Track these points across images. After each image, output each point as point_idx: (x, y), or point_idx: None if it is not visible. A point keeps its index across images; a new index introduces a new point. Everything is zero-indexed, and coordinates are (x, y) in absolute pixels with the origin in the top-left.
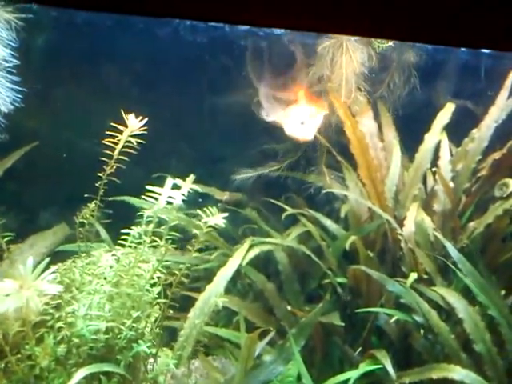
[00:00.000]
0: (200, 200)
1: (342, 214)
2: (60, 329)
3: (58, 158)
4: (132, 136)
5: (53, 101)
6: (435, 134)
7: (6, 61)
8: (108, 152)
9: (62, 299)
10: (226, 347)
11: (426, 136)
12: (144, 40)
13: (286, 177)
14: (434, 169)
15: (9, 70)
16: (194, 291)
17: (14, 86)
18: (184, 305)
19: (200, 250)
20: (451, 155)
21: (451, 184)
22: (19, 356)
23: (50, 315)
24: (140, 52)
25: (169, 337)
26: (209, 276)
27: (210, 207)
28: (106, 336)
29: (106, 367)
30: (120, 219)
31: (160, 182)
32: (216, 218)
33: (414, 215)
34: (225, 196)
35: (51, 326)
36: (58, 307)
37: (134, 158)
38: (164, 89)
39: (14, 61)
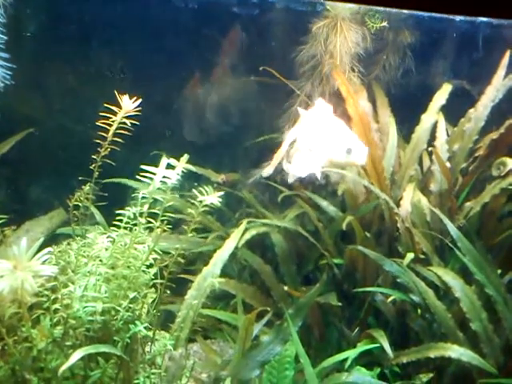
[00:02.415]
0: (195, 184)
1: (339, 193)
2: (56, 310)
3: (51, 142)
4: (126, 117)
5: (42, 82)
6: (432, 115)
7: None
8: (102, 134)
9: (57, 281)
10: (224, 330)
11: (423, 116)
12: (136, 17)
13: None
14: (430, 149)
15: None
16: (189, 274)
17: (2, 63)
18: (180, 288)
19: (196, 233)
20: (448, 135)
21: (448, 164)
22: (16, 338)
23: (46, 297)
24: (133, 30)
25: (166, 319)
26: (205, 259)
27: (208, 187)
28: (103, 317)
29: (103, 348)
30: (115, 202)
31: (155, 163)
32: (212, 197)
33: (410, 195)
34: (220, 178)
35: (47, 308)
36: (53, 289)
37: (128, 140)
38: (159, 70)
39: (2, 37)
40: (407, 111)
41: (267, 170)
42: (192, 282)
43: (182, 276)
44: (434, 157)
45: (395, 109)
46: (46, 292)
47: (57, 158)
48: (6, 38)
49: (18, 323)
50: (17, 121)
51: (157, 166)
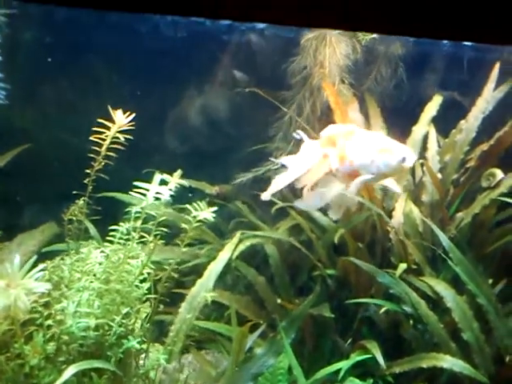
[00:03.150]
0: (190, 195)
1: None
2: (49, 327)
3: (46, 156)
4: (120, 132)
5: (36, 98)
6: (423, 126)
7: None
8: (96, 148)
9: (50, 297)
10: (218, 341)
11: (414, 128)
12: (128, 35)
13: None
14: (421, 160)
15: None
16: (184, 286)
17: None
18: (175, 299)
19: (190, 245)
20: (439, 147)
21: (439, 175)
22: (8, 355)
23: (39, 313)
24: (125, 47)
25: (160, 332)
26: (199, 270)
27: (199, 201)
28: (96, 333)
29: (96, 364)
30: (110, 216)
31: (149, 178)
32: (205, 213)
33: (402, 206)
34: (214, 190)
35: (40, 324)
36: (47, 305)
37: (122, 154)
38: (152, 85)
39: None
40: (399, 122)
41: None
42: (186, 294)
43: (176, 290)
44: (425, 168)
45: (387, 120)
46: (39, 308)
47: (51, 172)
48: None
49: (10, 340)
50: (12, 134)
51: (151, 180)
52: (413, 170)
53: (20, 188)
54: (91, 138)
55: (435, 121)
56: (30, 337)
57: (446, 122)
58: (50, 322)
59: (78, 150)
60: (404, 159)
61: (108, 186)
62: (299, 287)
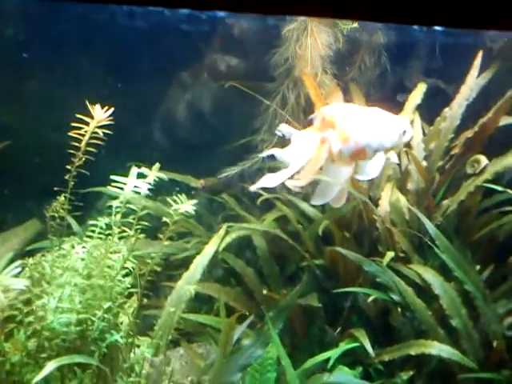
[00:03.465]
0: (177, 188)
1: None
2: (30, 323)
3: (27, 153)
4: (99, 127)
5: (15, 93)
6: (408, 114)
7: None
8: (76, 144)
9: (31, 294)
10: (208, 333)
11: (399, 116)
12: (105, 27)
13: (265, 164)
14: (406, 148)
15: None
16: (172, 279)
17: None
18: (162, 293)
19: (178, 238)
20: (424, 134)
21: (424, 163)
22: None
23: (19, 310)
24: (103, 39)
25: (146, 326)
26: (187, 264)
27: (182, 195)
28: (79, 328)
29: (78, 358)
30: (94, 212)
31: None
32: (186, 205)
33: (388, 195)
34: (199, 183)
35: (20, 321)
36: (27, 302)
37: (105, 148)
38: (133, 76)
39: None
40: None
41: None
42: (173, 287)
43: (163, 283)
44: (410, 156)
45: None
46: (19, 305)
47: (33, 169)
48: None
49: None
50: None
51: (133, 170)
52: (398, 158)
53: (1, 185)
54: (70, 134)
55: (420, 109)
56: (10, 334)
57: (430, 110)
58: (30, 318)
59: (59, 145)
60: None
61: (91, 181)
62: (288, 277)
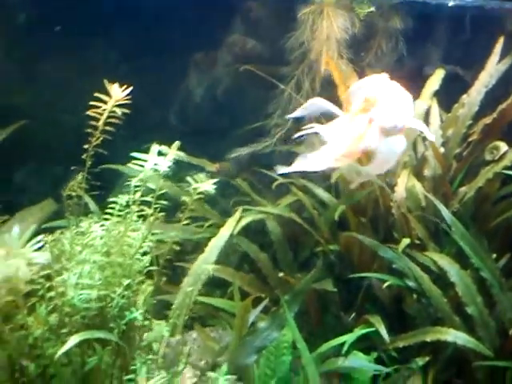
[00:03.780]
0: (194, 172)
1: (333, 180)
2: (51, 298)
3: (43, 133)
4: (117, 106)
5: (35, 72)
6: (425, 100)
7: None
8: (93, 123)
9: (51, 269)
10: (221, 317)
11: (416, 102)
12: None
13: (277, 150)
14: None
15: None
16: (186, 263)
17: None
18: (176, 277)
19: (191, 222)
20: (441, 121)
21: (442, 149)
22: (12, 326)
23: (41, 285)
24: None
25: (162, 309)
26: (200, 248)
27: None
28: (98, 305)
29: (99, 334)
30: (110, 192)
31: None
32: (206, 184)
33: (404, 181)
34: (215, 167)
35: (42, 296)
36: (48, 277)
37: (119, 130)
38: (150, 58)
39: None
40: None
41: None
42: (188, 270)
43: (178, 264)
44: (427, 142)
45: None
46: (41, 280)
47: (49, 149)
48: None
49: (13, 311)
50: (9, 110)
51: (153, 148)
52: (414, 145)
53: (17, 166)
54: (88, 113)
55: (437, 95)
56: (32, 308)
57: (448, 97)
58: (52, 293)
59: (76, 126)
60: None
61: (107, 161)
62: (301, 263)
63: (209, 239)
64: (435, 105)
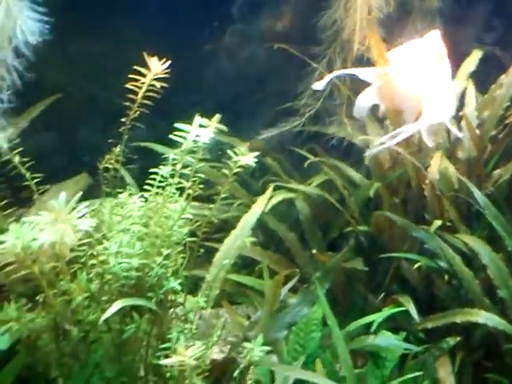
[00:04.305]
0: (219, 153)
1: (366, 161)
2: (93, 266)
3: (77, 108)
4: (155, 80)
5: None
6: (461, 82)
7: None
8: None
9: (92, 238)
10: (248, 295)
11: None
12: None
13: (307, 130)
14: (460, 113)
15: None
16: (214, 242)
17: (39, 17)
18: (205, 256)
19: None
20: (477, 102)
21: (477, 131)
22: (55, 291)
23: (83, 252)
24: None
25: (193, 284)
26: (228, 227)
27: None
28: (138, 274)
29: (140, 301)
30: (142, 167)
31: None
32: (247, 158)
33: (438, 163)
34: (245, 146)
35: (84, 263)
36: (89, 245)
37: (153, 108)
38: (183, 36)
39: None
40: None
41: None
42: (218, 249)
43: (209, 244)
44: (463, 124)
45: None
46: (83, 247)
47: (84, 123)
48: None
49: (55, 277)
50: (45, 83)
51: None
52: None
53: (52, 140)
54: (126, 86)
55: (474, 76)
56: (74, 275)
57: (484, 78)
58: (93, 261)
59: (110, 101)
60: None
61: (142, 137)
62: (330, 244)
63: (237, 218)
64: (471, 86)
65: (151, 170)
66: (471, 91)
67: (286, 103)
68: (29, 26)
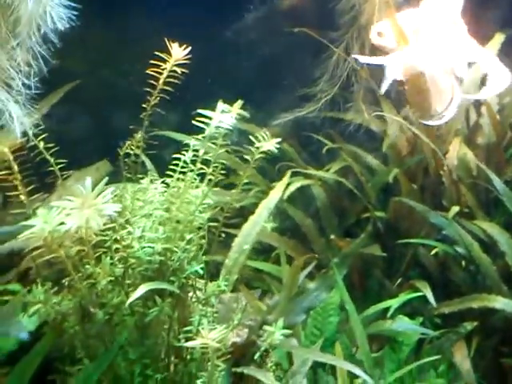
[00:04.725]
0: (235, 139)
1: (384, 148)
2: (117, 250)
3: (96, 96)
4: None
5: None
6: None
7: None
8: (152, 82)
9: (116, 223)
10: (265, 280)
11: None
12: None
13: (324, 116)
14: (479, 100)
15: None
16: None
17: (67, 2)
18: (222, 243)
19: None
20: None
21: (497, 117)
22: (80, 275)
23: (108, 236)
24: None
25: (212, 268)
26: (245, 213)
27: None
28: (161, 258)
29: (164, 285)
30: (162, 152)
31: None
32: (269, 144)
33: (456, 149)
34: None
35: (108, 247)
36: (113, 230)
37: (172, 95)
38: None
39: None
40: None
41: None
42: (235, 235)
43: (226, 229)
44: (482, 109)
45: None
46: (108, 232)
47: (103, 110)
48: None
49: (80, 261)
50: (66, 70)
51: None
52: (467, 113)
53: (75, 126)
54: (147, 72)
55: None
56: (98, 259)
57: (507, 62)
58: (117, 245)
59: (130, 88)
60: None
61: (159, 123)
62: (346, 230)
63: (255, 204)
64: None
65: (173, 156)
66: None
67: (302, 89)
68: (57, 13)
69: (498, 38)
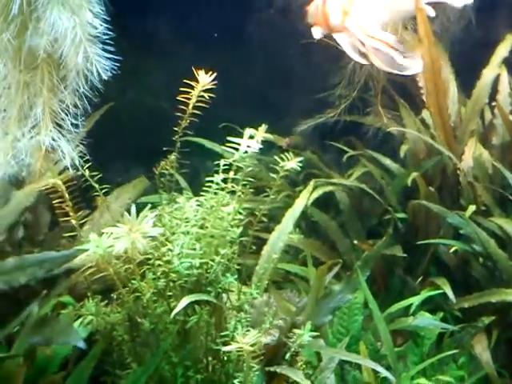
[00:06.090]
0: (259, 148)
1: (402, 154)
2: (159, 266)
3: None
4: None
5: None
6: (494, 68)
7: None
8: (182, 107)
9: (157, 241)
10: (293, 281)
11: (484, 71)
12: None
13: (343, 121)
14: (493, 103)
15: (102, 40)
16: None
17: (108, 55)
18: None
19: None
20: (511, 89)
21: (511, 117)
22: (127, 289)
23: (151, 254)
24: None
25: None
26: (272, 218)
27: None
28: (198, 271)
29: (204, 297)
30: (193, 172)
31: (226, 132)
32: (292, 163)
33: (472, 150)
34: (284, 141)
35: (152, 264)
36: (155, 248)
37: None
38: (218, 40)
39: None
40: (469, 66)
41: None
42: (262, 239)
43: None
44: (496, 110)
45: (456, 64)
46: (150, 250)
47: (136, 132)
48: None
49: (126, 277)
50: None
51: (225, 133)
52: (482, 113)
53: (111, 147)
54: (177, 99)
55: (507, 62)
56: (143, 275)
57: None
58: (159, 262)
59: (160, 111)
60: None
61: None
62: (369, 232)
63: (281, 209)
64: (504, 73)
65: (207, 179)
66: (504, 77)
67: (321, 94)
68: (101, 65)
69: (509, 39)
